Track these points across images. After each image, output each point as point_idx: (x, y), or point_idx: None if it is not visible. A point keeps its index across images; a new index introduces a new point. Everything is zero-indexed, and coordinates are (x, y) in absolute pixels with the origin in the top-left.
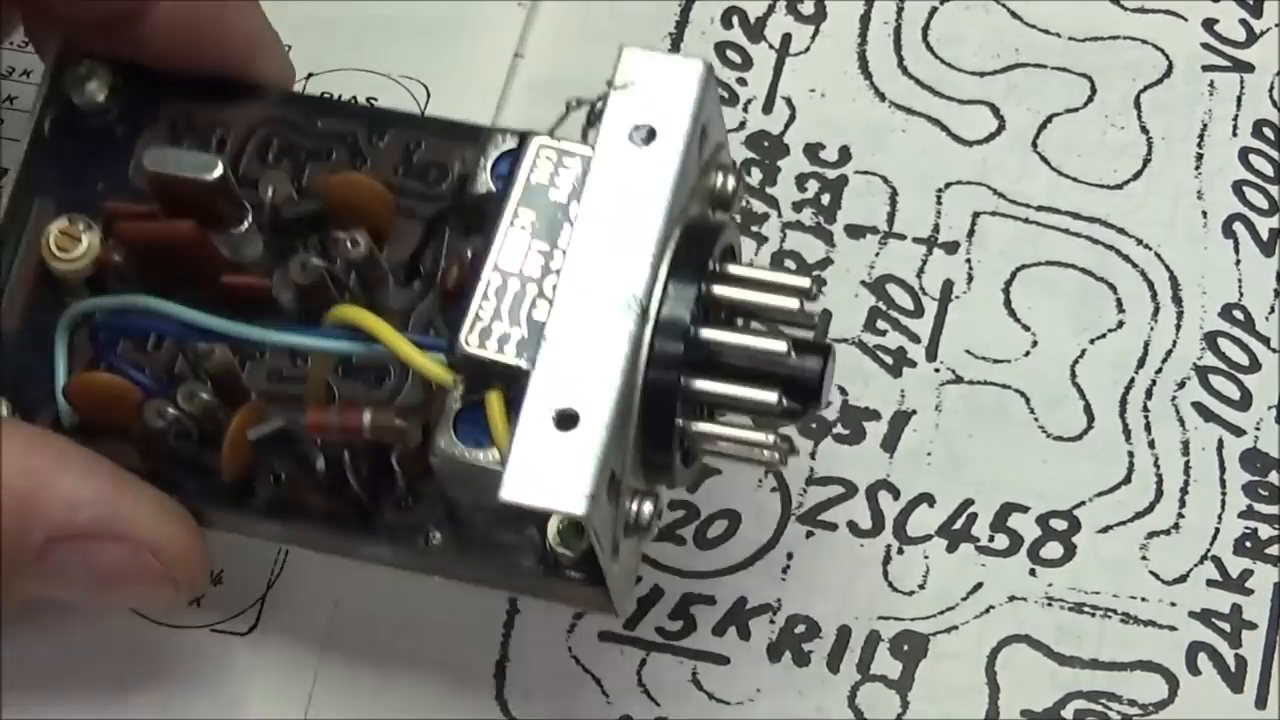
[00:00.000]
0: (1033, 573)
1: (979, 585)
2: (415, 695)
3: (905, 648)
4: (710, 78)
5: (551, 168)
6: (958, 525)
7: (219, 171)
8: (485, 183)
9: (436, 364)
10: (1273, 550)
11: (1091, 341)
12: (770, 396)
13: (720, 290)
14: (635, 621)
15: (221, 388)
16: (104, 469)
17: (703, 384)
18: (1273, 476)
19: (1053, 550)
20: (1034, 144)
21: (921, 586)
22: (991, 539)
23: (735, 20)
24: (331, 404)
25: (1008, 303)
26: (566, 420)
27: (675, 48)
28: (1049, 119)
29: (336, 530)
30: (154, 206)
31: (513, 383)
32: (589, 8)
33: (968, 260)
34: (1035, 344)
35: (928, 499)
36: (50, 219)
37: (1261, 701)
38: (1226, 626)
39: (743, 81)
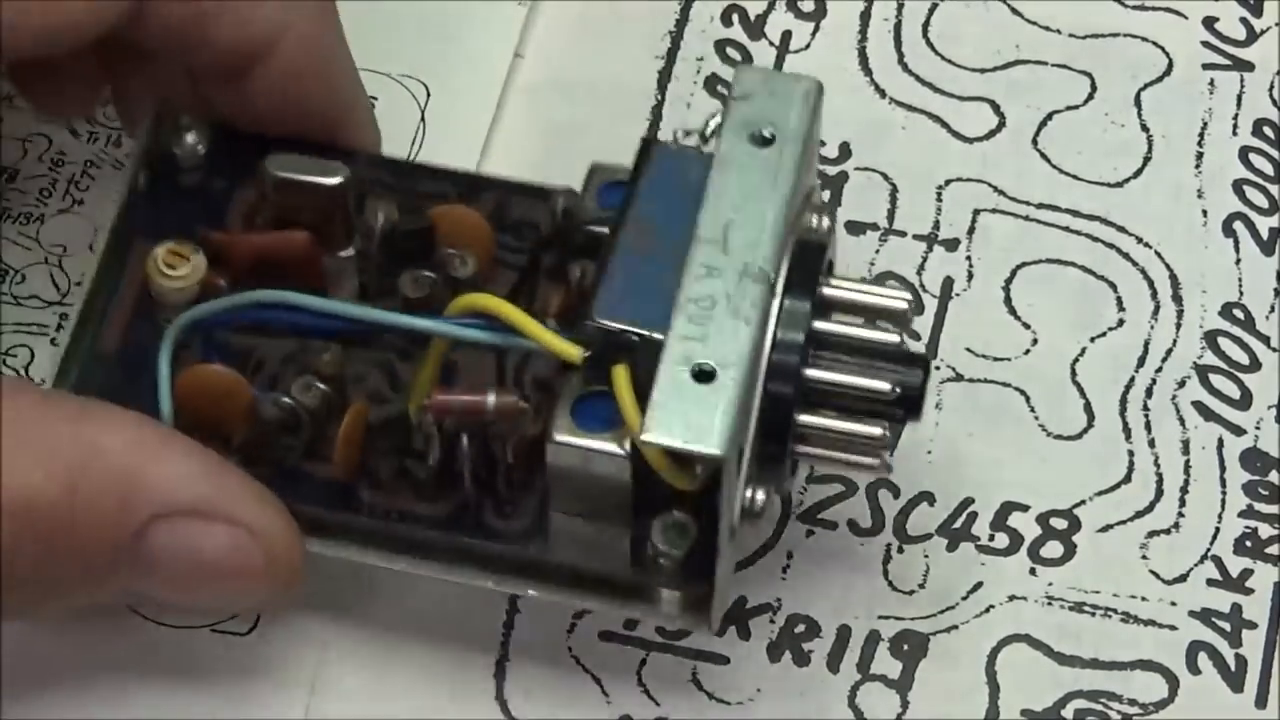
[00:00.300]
0: (1033, 572)
1: (979, 584)
2: (415, 695)
3: (905, 647)
4: (820, 94)
5: (674, 168)
6: (958, 524)
7: (342, 176)
8: (592, 211)
9: (564, 342)
10: (1273, 550)
11: (1092, 340)
12: (884, 385)
13: (830, 291)
14: (635, 621)
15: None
16: (207, 454)
17: (817, 373)
18: (1273, 476)
19: (1053, 549)
20: (1034, 141)
21: (921, 586)
22: (991, 538)
23: (735, 18)
24: (453, 388)
25: (1008, 300)
26: (703, 375)
27: (675, 46)
28: (1049, 116)
29: (442, 531)
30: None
31: (639, 357)
32: (588, 6)
33: (968, 257)
34: (1035, 342)
35: (928, 498)
36: (148, 252)
37: (1262, 701)
38: (1226, 626)
39: None
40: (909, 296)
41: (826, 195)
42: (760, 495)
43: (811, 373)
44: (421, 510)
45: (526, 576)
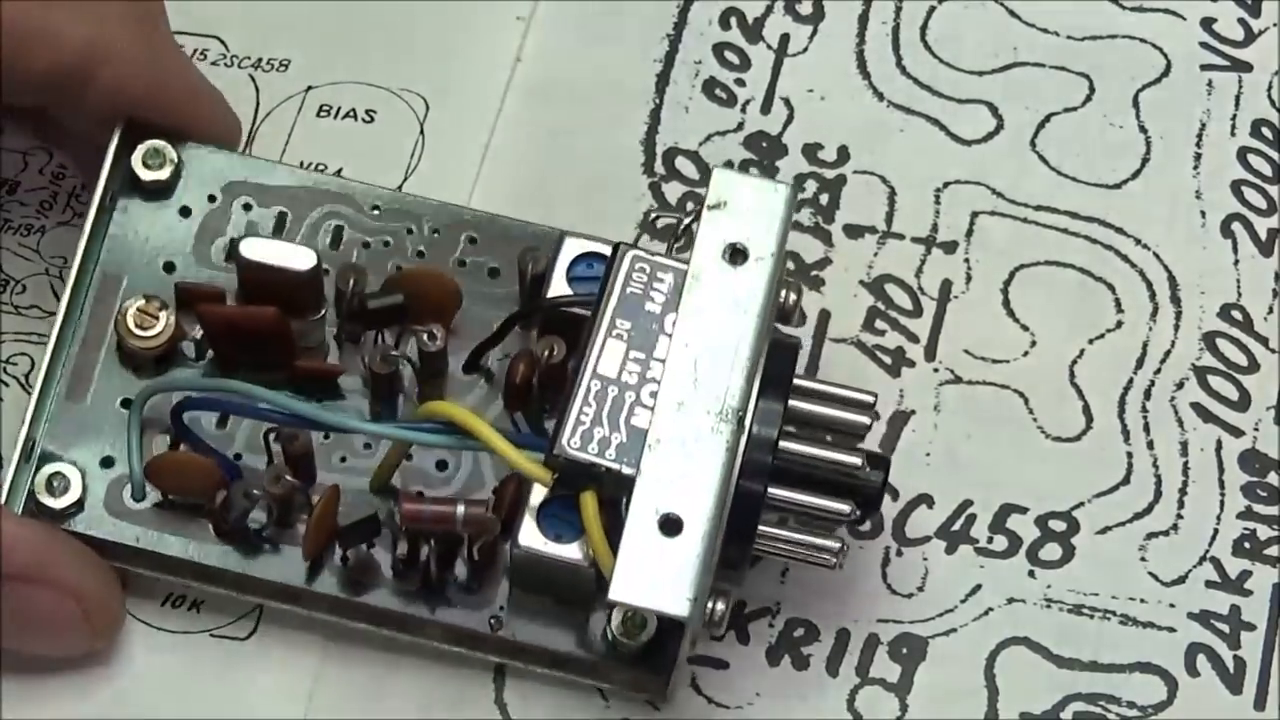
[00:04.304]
0: (1031, 574)
1: (978, 587)
2: (415, 698)
3: (904, 650)
4: (795, 197)
5: (645, 279)
6: (956, 526)
7: (312, 263)
8: (561, 287)
9: (533, 463)
10: (1271, 551)
11: (1090, 341)
12: (844, 507)
13: (799, 404)
14: None
15: (298, 467)
16: (34, 523)
17: (782, 492)
18: (1271, 477)
19: (1051, 552)
20: (1032, 143)
21: (920, 589)
22: (990, 540)
23: (733, 21)
24: (423, 497)
25: (1006, 302)
26: (671, 526)
27: (673, 49)
28: (1047, 118)
29: (403, 605)
30: (222, 288)
31: (609, 486)
32: (587, 9)
33: (966, 260)
34: (1034, 344)
35: (926, 500)
36: (116, 291)
37: (1260, 703)
38: (1225, 628)
39: (741, 83)
40: (871, 400)
41: (825, 199)
42: (720, 606)
43: (775, 491)
44: (387, 588)
45: (486, 650)
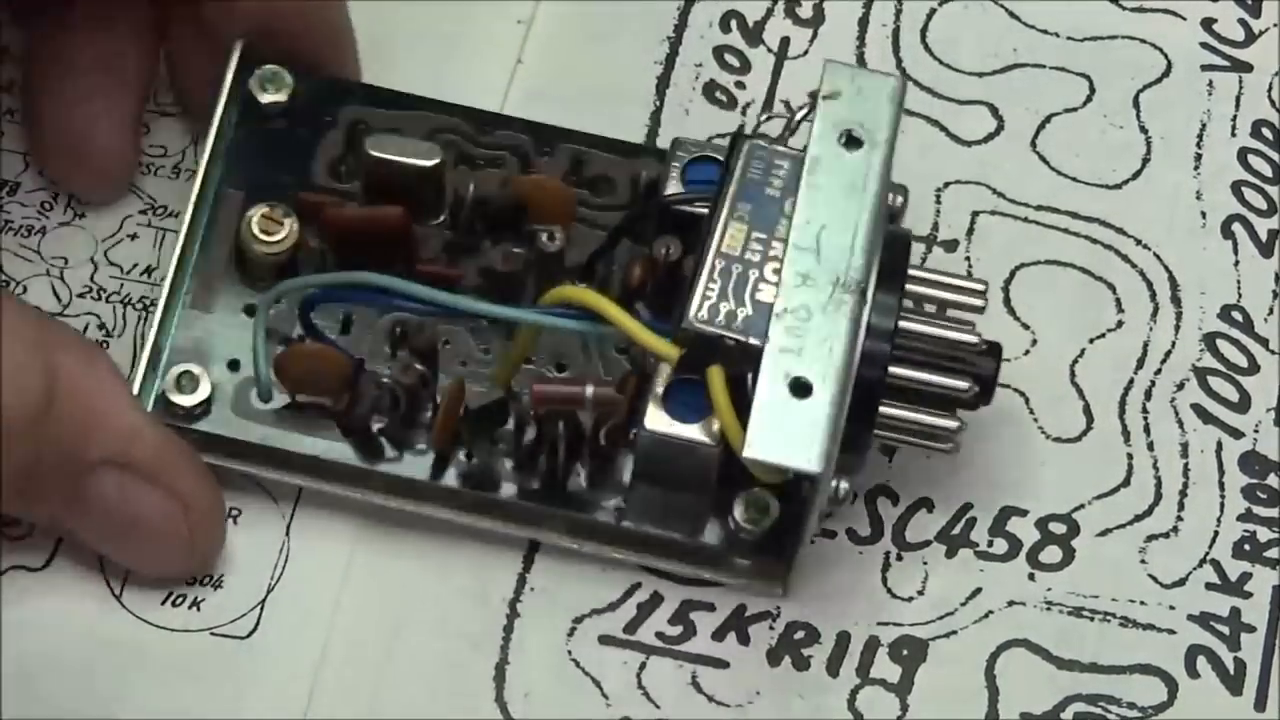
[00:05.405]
0: (1031, 577)
1: (978, 590)
2: (415, 697)
3: (905, 652)
4: (904, 89)
5: (764, 166)
6: (956, 530)
7: (437, 158)
8: (676, 188)
9: (661, 339)
10: (1271, 553)
11: (1091, 341)
12: (962, 384)
13: (913, 288)
14: (635, 626)
15: (423, 362)
16: (161, 424)
17: (903, 371)
18: (1271, 479)
19: (1052, 554)
20: (1033, 144)
21: (921, 593)
22: (990, 544)
23: (734, 24)
24: (553, 379)
25: (1007, 301)
26: (801, 388)
27: (674, 51)
28: (1048, 119)
29: (528, 500)
30: (343, 200)
31: (735, 360)
32: (588, 10)
33: (967, 259)
34: (1034, 343)
35: (926, 504)
36: (235, 209)
37: (1260, 704)
38: (1225, 630)
39: (741, 85)
40: (982, 287)
41: None
42: (845, 485)
43: (895, 370)
44: (512, 479)
45: (608, 541)
